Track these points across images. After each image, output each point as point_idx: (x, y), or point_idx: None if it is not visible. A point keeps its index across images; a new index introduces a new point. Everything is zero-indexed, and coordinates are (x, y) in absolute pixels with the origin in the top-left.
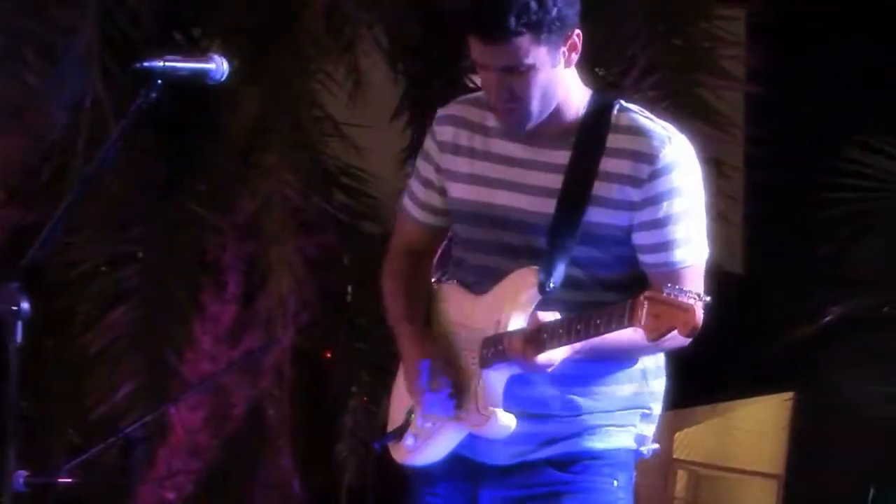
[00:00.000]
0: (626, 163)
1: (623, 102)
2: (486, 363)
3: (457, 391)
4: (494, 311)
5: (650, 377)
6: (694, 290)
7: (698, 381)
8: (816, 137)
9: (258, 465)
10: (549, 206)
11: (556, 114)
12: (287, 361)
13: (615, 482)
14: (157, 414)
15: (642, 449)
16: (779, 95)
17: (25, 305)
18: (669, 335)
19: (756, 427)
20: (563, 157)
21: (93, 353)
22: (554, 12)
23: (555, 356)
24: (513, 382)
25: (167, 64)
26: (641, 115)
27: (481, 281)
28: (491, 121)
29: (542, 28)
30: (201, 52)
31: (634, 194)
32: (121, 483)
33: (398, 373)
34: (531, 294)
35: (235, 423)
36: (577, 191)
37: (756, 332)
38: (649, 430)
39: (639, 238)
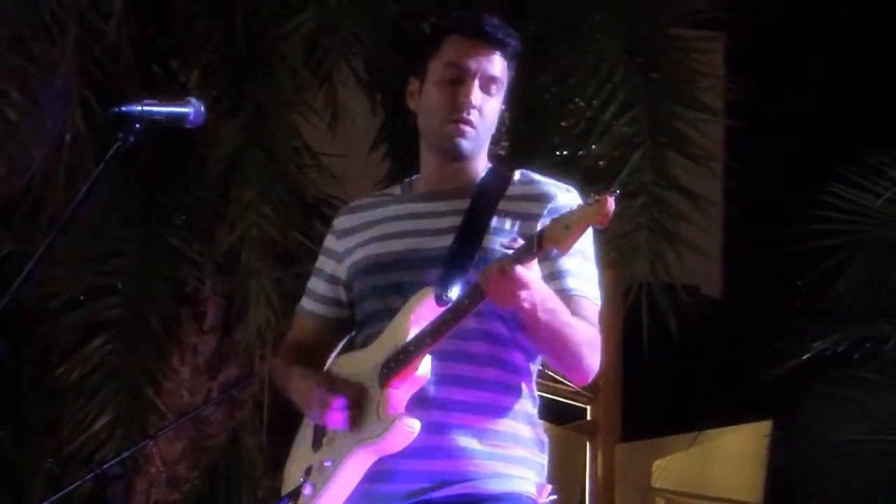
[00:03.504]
0: (524, 203)
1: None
2: (385, 380)
3: (354, 403)
4: (394, 336)
5: (538, 424)
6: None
7: (676, 410)
8: (794, 170)
9: (235, 496)
10: (447, 240)
11: (462, 169)
12: (265, 391)
13: None
14: (136, 449)
15: (542, 500)
16: (757, 128)
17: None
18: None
19: (734, 456)
20: (463, 203)
21: (70, 383)
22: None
23: (530, 275)
24: (409, 408)
25: (145, 108)
26: (542, 176)
27: (372, 332)
28: (387, 197)
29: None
30: (179, 87)
31: (533, 228)
32: None
33: (296, 438)
34: (429, 306)
35: (213, 454)
36: (475, 223)
37: (735, 362)
38: (543, 478)
39: None
